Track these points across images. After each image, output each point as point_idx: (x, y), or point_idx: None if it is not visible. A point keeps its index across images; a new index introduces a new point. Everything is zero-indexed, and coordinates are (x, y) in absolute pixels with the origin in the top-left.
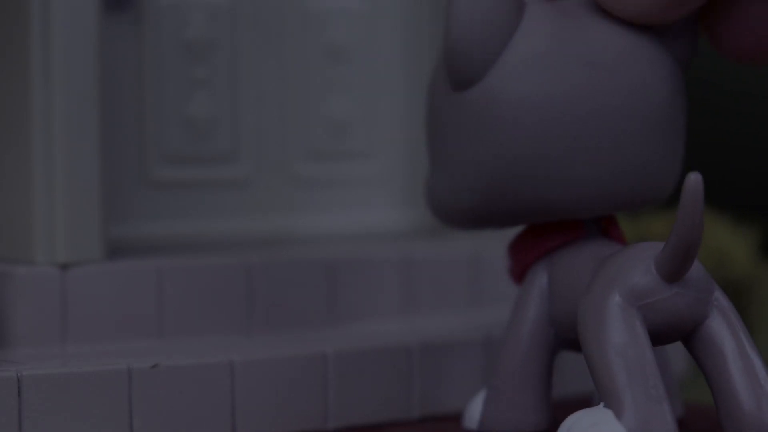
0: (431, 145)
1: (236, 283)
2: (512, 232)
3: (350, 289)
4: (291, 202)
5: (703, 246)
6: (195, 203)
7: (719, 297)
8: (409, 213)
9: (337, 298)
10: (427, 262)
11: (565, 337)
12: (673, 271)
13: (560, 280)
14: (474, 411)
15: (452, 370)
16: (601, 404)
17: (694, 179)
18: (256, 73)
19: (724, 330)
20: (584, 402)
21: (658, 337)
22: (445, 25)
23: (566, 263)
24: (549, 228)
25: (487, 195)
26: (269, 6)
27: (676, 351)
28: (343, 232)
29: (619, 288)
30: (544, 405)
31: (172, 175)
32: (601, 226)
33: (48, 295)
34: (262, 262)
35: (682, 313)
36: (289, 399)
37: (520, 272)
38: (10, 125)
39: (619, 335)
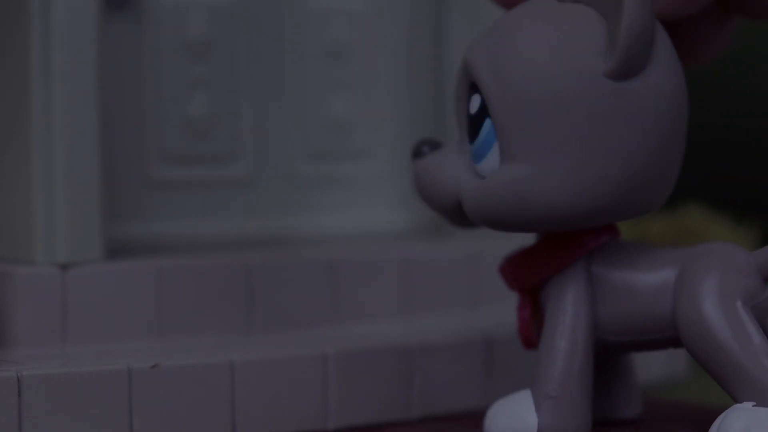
0: (544, 138)
1: (236, 283)
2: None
3: (350, 290)
4: (291, 202)
5: None
6: (195, 203)
7: None
8: (409, 213)
9: (337, 298)
10: (427, 262)
11: (607, 339)
12: None
13: (616, 285)
14: (522, 424)
15: (452, 370)
16: (750, 404)
17: None
18: (256, 73)
19: None
20: None
21: None
22: (626, 19)
23: (621, 268)
24: (576, 232)
25: (612, 188)
26: (269, 6)
27: (677, 352)
28: (344, 232)
29: (740, 293)
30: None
31: (172, 175)
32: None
33: (48, 295)
34: (262, 262)
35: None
36: (289, 399)
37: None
38: (10, 125)
39: (757, 336)
